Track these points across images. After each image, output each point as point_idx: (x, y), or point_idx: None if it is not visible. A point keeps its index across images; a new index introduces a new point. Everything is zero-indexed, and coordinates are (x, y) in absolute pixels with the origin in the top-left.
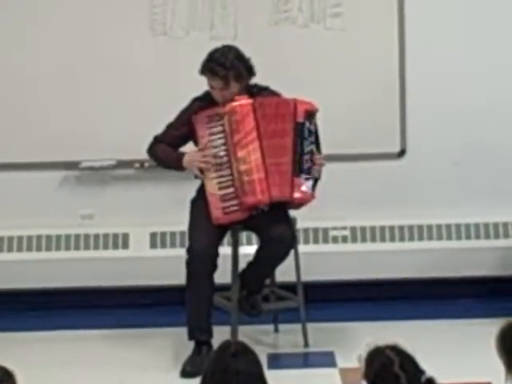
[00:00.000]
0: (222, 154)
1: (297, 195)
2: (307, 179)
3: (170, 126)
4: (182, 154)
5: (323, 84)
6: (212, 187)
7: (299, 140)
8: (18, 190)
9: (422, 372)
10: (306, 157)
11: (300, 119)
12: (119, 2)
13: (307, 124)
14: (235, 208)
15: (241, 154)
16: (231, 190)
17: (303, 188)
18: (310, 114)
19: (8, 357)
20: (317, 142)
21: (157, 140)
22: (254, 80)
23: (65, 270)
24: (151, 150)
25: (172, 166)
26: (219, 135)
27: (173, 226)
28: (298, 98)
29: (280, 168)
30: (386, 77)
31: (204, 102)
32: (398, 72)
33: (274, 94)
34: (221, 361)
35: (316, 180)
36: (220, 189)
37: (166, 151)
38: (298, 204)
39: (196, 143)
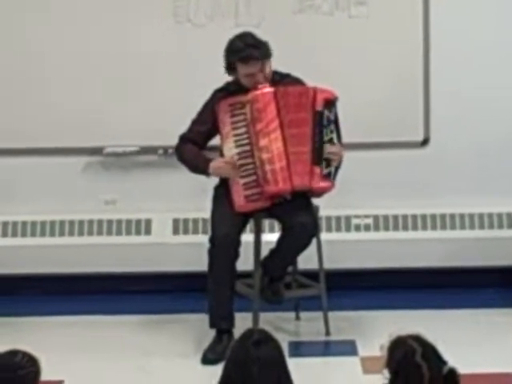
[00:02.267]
0: (245, 142)
1: (316, 184)
2: (327, 167)
3: (194, 122)
4: (209, 160)
5: (347, 72)
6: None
7: (318, 129)
8: (42, 176)
9: (444, 362)
10: (326, 145)
11: (319, 108)
12: None
13: (326, 113)
14: (258, 196)
15: (263, 142)
16: (253, 178)
17: (323, 177)
18: (330, 103)
19: (29, 341)
20: (337, 131)
21: (183, 139)
22: (277, 67)
23: (87, 255)
24: (178, 150)
25: (198, 170)
26: (241, 123)
27: (195, 213)
28: (318, 87)
29: (300, 157)
30: (410, 65)
31: (225, 93)
32: (422, 60)
33: (296, 80)
34: (243, 349)
35: (336, 168)
36: (242, 177)
37: (193, 154)
38: (319, 193)
39: (219, 132)
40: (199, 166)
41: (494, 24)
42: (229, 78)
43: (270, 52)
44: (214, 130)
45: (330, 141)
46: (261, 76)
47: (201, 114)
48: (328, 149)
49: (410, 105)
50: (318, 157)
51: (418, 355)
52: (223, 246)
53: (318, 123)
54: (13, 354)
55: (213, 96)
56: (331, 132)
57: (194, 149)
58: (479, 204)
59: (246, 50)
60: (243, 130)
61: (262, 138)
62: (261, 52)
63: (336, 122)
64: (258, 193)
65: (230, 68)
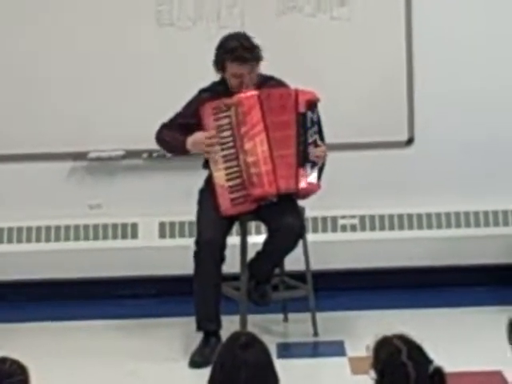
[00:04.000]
0: (230, 145)
1: (303, 186)
2: (312, 169)
3: (177, 115)
4: (187, 137)
5: (330, 73)
6: (220, 178)
7: (302, 131)
8: (27, 181)
9: (429, 361)
10: (310, 147)
11: (302, 110)
12: None
13: (309, 114)
14: (243, 199)
15: (248, 145)
16: (239, 181)
17: (308, 179)
18: (312, 104)
19: (18, 348)
20: (320, 131)
21: (164, 127)
22: (260, 69)
23: (74, 260)
24: (158, 135)
25: (177, 148)
26: (226, 126)
27: (182, 216)
28: (300, 88)
29: (285, 160)
30: (394, 65)
31: (211, 94)
32: (405, 60)
33: (280, 83)
34: (230, 352)
35: (320, 169)
36: (228, 180)
37: (172, 135)
38: (304, 195)
39: None
40: (178, 140)
41: (478, 24)
42: (215, 79)
43: (261, 55)
44: (197, 127)
45: (314, 142)
46: (248, 78)
47: (185, 109)
48: (313, 151)
49: (394, 105)
50: (303, 159)
51: (404, 354)
52: (209, 249)
53: (302, 125)
54: (1, 362)
55: (198, 95)
56: (315, 133)
57: (173, 132)
58: (464, 203)
59: (239, 51)
60: (228, 133)
61: (247, 141)
62: (253, 54)
63: (319, 123)
64: (243, 196)
65: (219, 65)
